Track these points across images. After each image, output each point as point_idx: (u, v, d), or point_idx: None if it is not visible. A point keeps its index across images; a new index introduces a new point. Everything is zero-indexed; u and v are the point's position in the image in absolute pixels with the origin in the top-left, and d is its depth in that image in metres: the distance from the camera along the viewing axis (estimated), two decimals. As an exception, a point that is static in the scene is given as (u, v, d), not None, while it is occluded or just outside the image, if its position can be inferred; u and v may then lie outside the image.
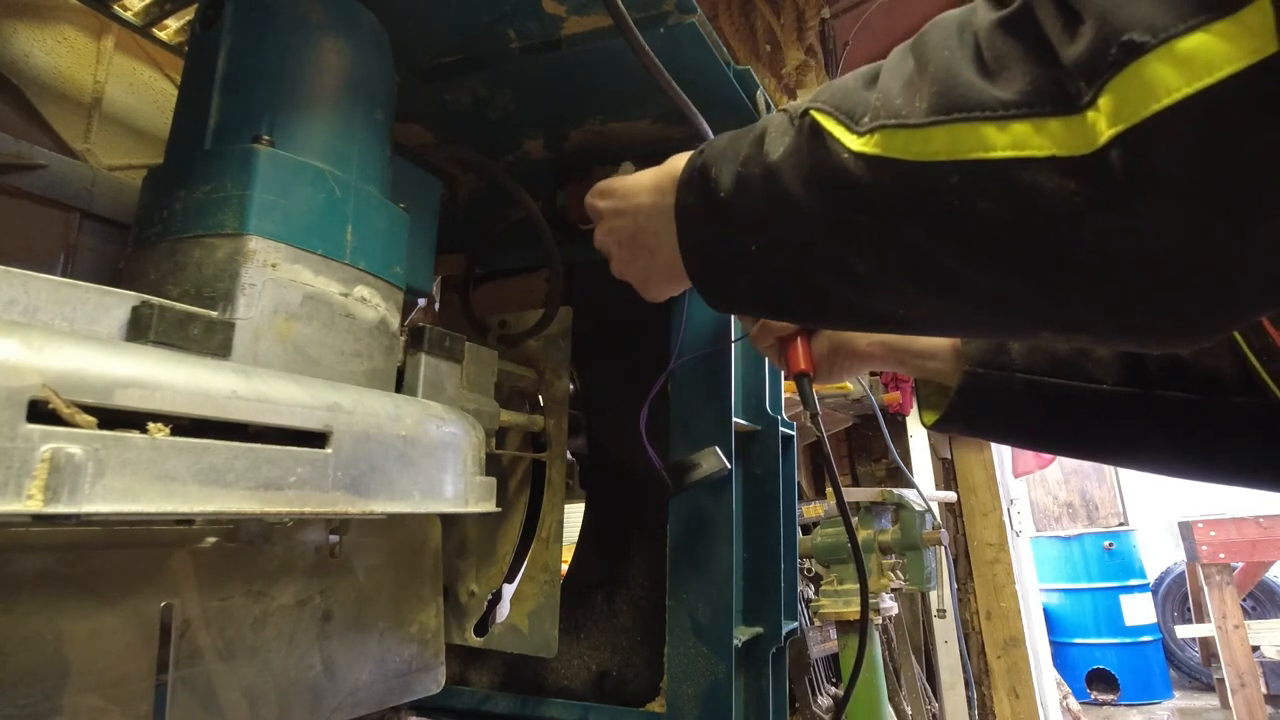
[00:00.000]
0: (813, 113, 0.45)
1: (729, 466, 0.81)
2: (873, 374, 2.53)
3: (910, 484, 2.22)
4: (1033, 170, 0.34)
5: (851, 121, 0.42)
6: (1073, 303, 0.37)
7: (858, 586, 0.83)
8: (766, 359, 0.90)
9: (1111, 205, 0.32)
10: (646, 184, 0.65)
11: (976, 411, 0.72)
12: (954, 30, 0.39)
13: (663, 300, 0.72)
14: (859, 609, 0.88)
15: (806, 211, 0.45)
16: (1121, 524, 5.51)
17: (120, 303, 0.47)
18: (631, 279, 0.70)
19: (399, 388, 0.69)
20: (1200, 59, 0.29)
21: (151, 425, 0.41)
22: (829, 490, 2.90)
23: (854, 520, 1.98)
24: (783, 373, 0.83)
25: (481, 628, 0.92)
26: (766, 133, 0.49)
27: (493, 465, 0.92)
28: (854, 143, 0.41)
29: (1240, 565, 3.95)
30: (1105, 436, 0.67)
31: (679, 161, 0.60)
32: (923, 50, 0.40)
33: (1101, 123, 0.31)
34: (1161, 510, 5.37)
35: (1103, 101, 0.31)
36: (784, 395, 1.05)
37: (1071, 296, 0.37)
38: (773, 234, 0.48)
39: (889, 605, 1.89)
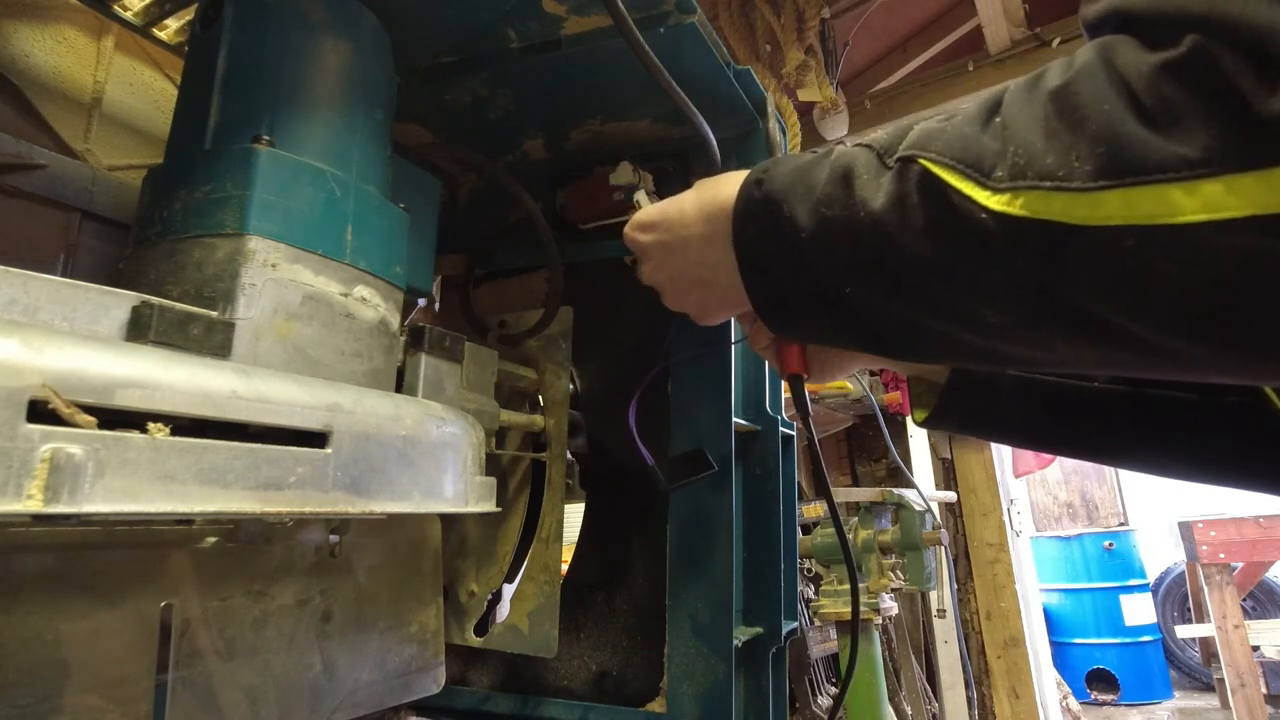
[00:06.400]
0: (925, 163, 0.42)
1: (716, 468, 0.82)
2: (872, 373, 2.53)
3: (910, 484, 2.22)
4: (1229, 233, 0.32)
5: (982, 176, 0.39)
6: (1261, 356, 0.35)
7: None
8: (767, 359, 0.90)
9: None
10: (692, 214, 0.61)
11: (967, 408, 0.71)
12: (1103, 76, 0.35)
13: (719, 323, 0.71)
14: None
15: (927, 266, 0.42)
16: (1121, 524, 5.51)
17: (120, 303, 0.47)
18: (688, 310, 0.68)
19: (399, 388, 0.69)
20: None
21: (151, 425, 0.41)
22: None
23: (854, 520, 1.99)
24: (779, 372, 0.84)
25: (481, 628, 0.92)
26: (853, 173, 0.46)
27: (493, 465, 0.92)
28: (991, 201, 0.38)
29: (1240, 565, 3.95)
30: (1096, 434, 0.67)
31: (724, 187, 0.57)
32: (1073, 101, 0.36)
33: None
34: (1161, 510, 5.37)
35: None
36: (784, 395, 1.05)
37: (1265, 351, 0.35)
38: (879, 282, 0.46)
39: (889, 605, 1.89)
